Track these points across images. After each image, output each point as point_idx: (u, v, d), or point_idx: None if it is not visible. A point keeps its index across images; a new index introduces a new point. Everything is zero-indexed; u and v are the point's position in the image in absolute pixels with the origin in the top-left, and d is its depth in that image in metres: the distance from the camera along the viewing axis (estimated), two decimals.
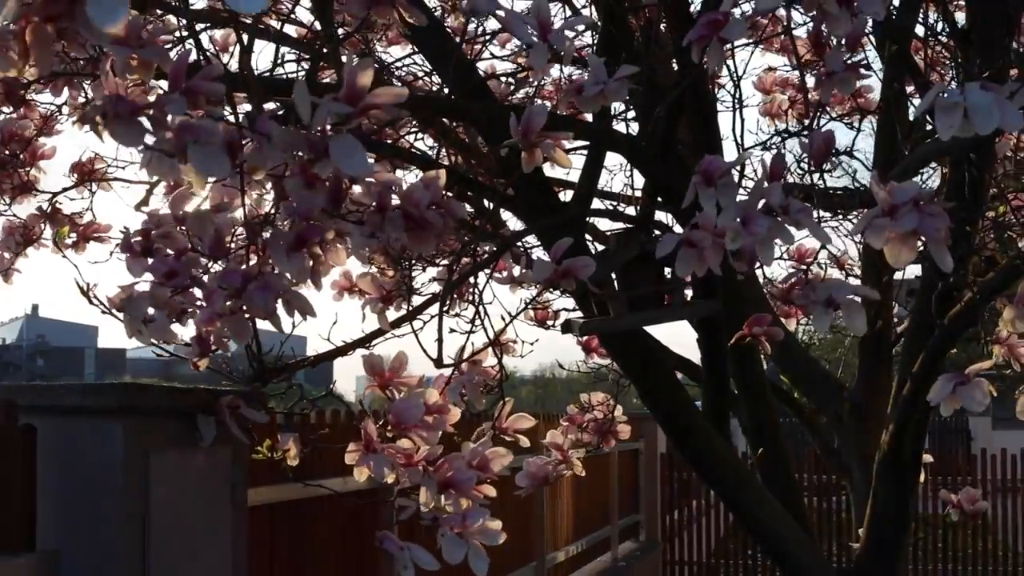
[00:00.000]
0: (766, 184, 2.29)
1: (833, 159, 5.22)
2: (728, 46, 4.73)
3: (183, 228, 2.59)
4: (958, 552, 13.04)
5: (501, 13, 2.35)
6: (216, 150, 1.97)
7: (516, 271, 4.42)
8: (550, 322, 5.04)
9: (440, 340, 2.92)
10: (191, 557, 3.20)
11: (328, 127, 1.97)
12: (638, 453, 12.52)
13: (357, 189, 2.34)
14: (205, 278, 2.52)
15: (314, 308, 2.43)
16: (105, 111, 2.00)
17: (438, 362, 2.93)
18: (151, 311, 2.71)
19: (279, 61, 3.79)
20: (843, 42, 2.58)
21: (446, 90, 4.06)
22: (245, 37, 2.62)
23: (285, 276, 2.33)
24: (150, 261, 2.58)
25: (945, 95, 2.01)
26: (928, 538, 13.01)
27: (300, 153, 2.07)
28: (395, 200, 2.37)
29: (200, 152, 1.96)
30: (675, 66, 3.86)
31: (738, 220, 2.25)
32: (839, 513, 12.75)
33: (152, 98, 2.06)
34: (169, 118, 2.02)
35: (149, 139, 2.03)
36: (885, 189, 2.16)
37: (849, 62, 2.58)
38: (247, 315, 2.39)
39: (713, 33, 2.23)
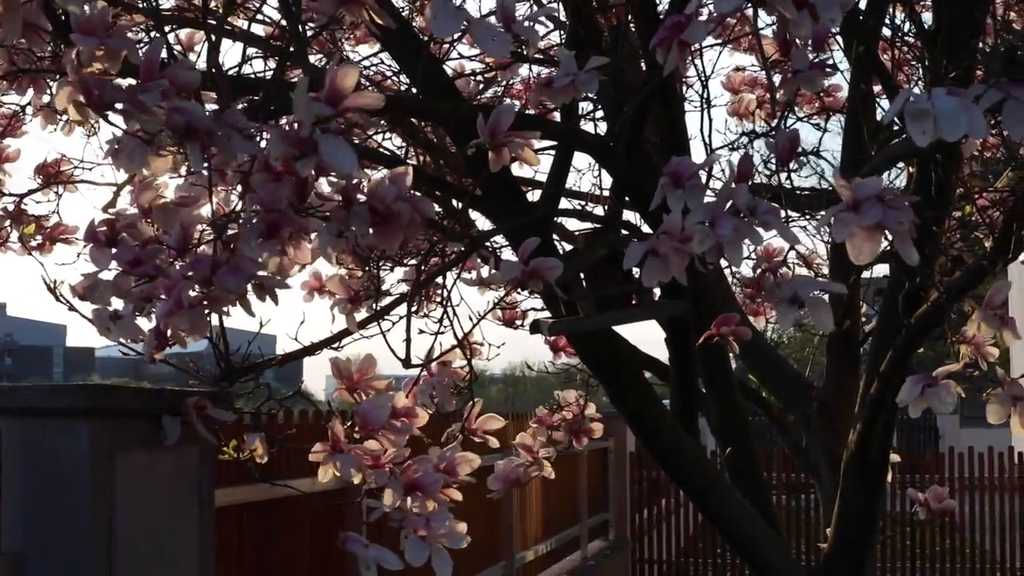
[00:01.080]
0: (733, 185, 2.29)
1: (800, 159, 5.24)
2: (695, 46, 4.76)
3: (149, 220, 2.59)
4: (926, 550, 13.12)
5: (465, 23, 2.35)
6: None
7: (484, 272, 4.42)
8: (519, 322, 5.04)
9: (408, 341, 2.92)
10: (158, 558, 3.19)
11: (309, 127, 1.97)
12: (608, 452, 12.53)
13: (324, 185, 2.34)
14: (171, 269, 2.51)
15: (280, 293, 2.42)
16: (78, 99, 1.99)
17: (406, 363, 2.93)
18: (119, 307, 2.69)
19: (245, 59, 3.78)
20: (809, 42, 2.59)
21: (414, 90, 4.05)
22: (213, 36, 2.61)
23: (256, 259, 2.32)
24: (114, 251, 2.57)
25: (913, 100, 2.01)
26: (896, 536, 13.08)
27: (266, 150, 2.07)
28: (362, 197, 2.37)
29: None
30: (643, 66, 3.87)
31: (706, 222, 2.25)
32: (809, 512, 12.79)
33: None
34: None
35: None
36: (849, 184, 2.17)
37: (815, 61, 2.58)
38: (207, 310, 2.39)
39: (675, 36, 2.24)
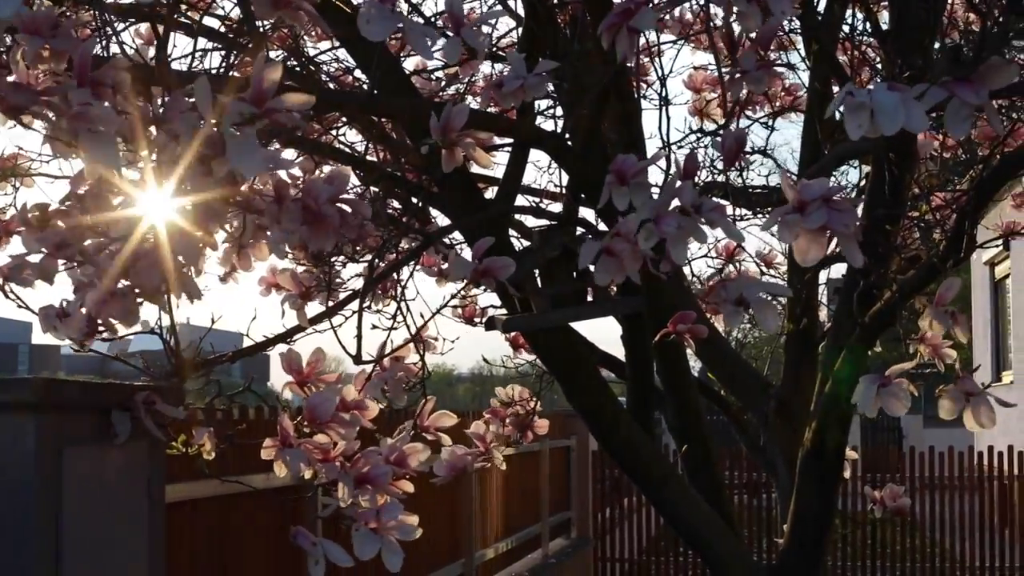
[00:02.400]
0: (679, 183, 2.30)
1: (747, 157, 5.26)
2: (648, 41, 4.76)
3: (81, 206, 2.57)
4: (887, 549, 13.19)
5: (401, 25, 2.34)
6: (108, 140, 1.95)
7: (445, 266, 4.42)
8: (477, 319, 5.04)
9: (359, 336, 2.91)
10: (106, 554, 3.17)
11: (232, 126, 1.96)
12: (570, 450, 12.55)
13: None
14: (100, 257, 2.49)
15: (200, 291, 2.40)
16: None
17: (357, 358, 2.93)
18: (64, 306, 2.68)
19: (196, 54, 3.75)
20: (757, 39, 2.59)
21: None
22: (162, 30, 2.60)
23: (177, 257, 2.31)
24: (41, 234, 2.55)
25: (851, 94, 2.02)
26: (857, 535, 13.15)
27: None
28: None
29: (92, 140, 1.95)
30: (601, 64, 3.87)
31: (651, 219, 2.26)
32: (771, 511, 12.84)
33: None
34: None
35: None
36: (795, 186, 2.17)
37: (763, 61, 2.59)
38: (139, 299, 2.37)
39: (624, 22, 2.24)
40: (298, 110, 2.03)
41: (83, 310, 2.58)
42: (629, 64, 2.97)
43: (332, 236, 2.36)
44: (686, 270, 5.40)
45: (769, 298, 2.45)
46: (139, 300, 2.40)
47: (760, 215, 4.96)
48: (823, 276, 5.69)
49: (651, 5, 2.31)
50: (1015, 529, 13.47)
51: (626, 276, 2.38)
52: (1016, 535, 13.40)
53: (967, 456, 13.54)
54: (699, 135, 4.73)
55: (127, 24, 3.88)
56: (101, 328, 2.63)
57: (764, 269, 5.80)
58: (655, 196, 2.32)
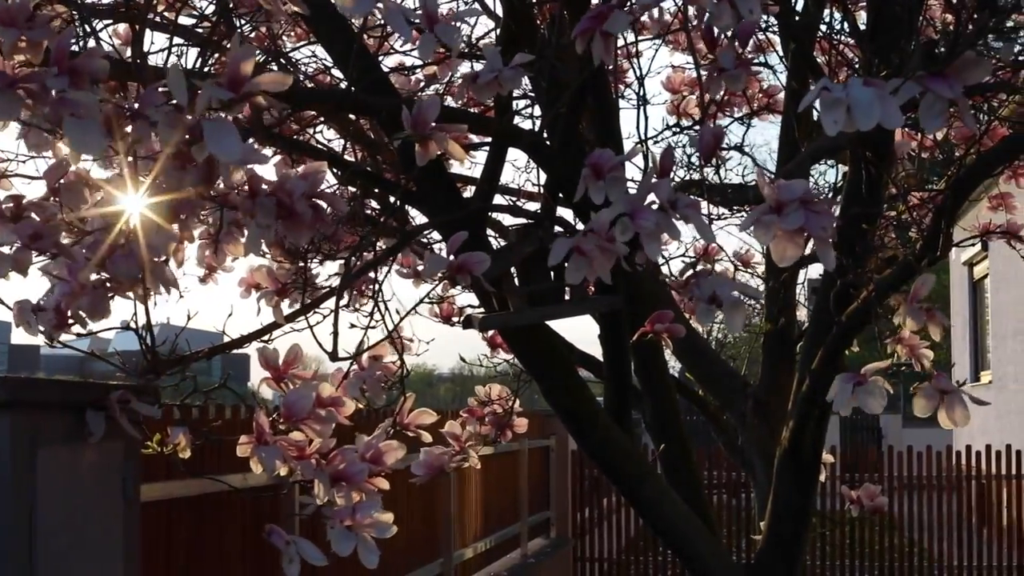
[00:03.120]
0: (655, 179, 2.30)
1: (722, 155, 5.27)
2: (626, 42, 4.77)
3: (57, 199, 2.56)
4: (865, 548, 13.23)
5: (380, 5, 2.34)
6: (93, 125, 1.95)
7: (421, 266, 4.41)
8: (455, 318, 5.03)
9: (335, 334, 2.90)
10: (80, 553, 3.16)
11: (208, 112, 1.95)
12: (549, 450, 12.56)
13: (238, 174, 2.32)
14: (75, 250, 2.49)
15: (176, 281, 2.40)
16: None
17: (333, 356, 2.92)
18: (41, 302, 2.66)
19: (172, 52, 3.74)
20: (735, 38, 2.59)
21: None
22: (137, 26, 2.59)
23: (153, 248, 2.30)
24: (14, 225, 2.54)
25: (827, 89, 2.03)
26: (836, 534, 13.19)
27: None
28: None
29: (76, 126, 1.94)
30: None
31: (627, 214, 2.26)
32: (750, 510, 12.86)
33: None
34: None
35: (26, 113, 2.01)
36: (773, 186, 2.18)
37: (741, 59, 2.59)
38: (110, 294, 2.36)
39: (597, 26, 2.24)
40: (273, 91, 2.02)
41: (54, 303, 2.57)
42: (607, 65, 2.97)
43: (307, 231, 2.35)
44: (664, 270, 5.41)
45: (741, 298, 2.45)
46: (111, 295, 2.39)
47: (736, 213, 4.97)
48: (801, 275, 5.70)
49: (625, 8, 2.31)
50: (993, 528, 13.53)
51: (597, 274, 2.38)
52: (994, 534, 13.45)
53: (946, 456, 13.59)
54: (676, 131, 4.73)
55: (105, 26, 3.86)
56: (71, 322, 2.61)
57: (742, 268, 5.81)
58: (632, 191, 2.32)
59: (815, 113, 4.92)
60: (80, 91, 1.99)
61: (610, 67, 4.47)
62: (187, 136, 1.99)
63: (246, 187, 2.28)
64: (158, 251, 2.31)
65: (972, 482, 13.68)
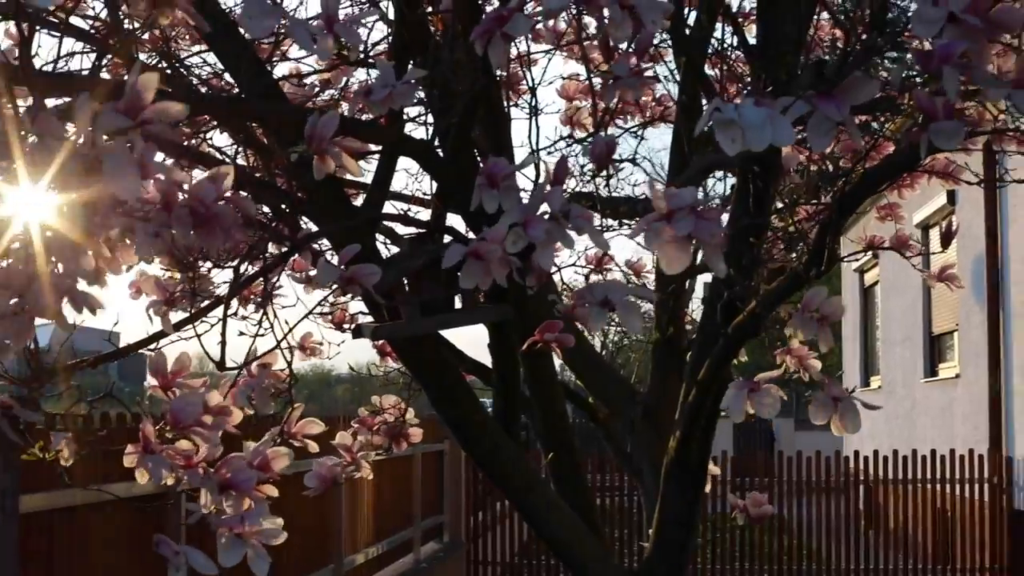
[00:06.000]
0: (548, 188, 2.31)
1: (616, 166, 5.31)
2: (520, 51, 4.78)
3: None
4: (755, 550, 13.41)
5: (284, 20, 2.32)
6: None
7: (313, 272, 4.38)
8: (347, 325, 5.01)
9: (223, 342, 2.88)
10: None
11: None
12: (443, 454, 12.56)
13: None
14: None
15: (103, 303, 2.35)
16: None
17: (220, 364, 2.89)
18: None
19: (62, 54, 3.68)
20: (631, 48, 2.61)
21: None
22: (26, 28, 2.54)
23: (72, 275, 2.25)
24: None
25: (720, 110, 2.05)
26: (727, 537, 13.35)
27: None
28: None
29: None
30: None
31: (519, 223, 2.26)
32: (641, 514, 12.97)
33: None
34: None
35: None
36: (662, 195, 2.20)
37: (635, 68, 2.61)
38: (29, 317, 2.31)
39: (497, 28, 2.24)
40: (173, 121, 1.99)
41: None
42: (501, 73, 2.98)
43: (221, 236, 2.32)
44: (556, 278, 5.43)
45: (635, 301, 2.47)
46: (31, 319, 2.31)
47: (626, 226, 5.01)
48: (690, 285, 5.76)
49: (524, 11, 2.32)
50: (880, 531, 13.78)
51: (493, 283, 2.38)
52: (881, 537, 13.70)
53: (835, 460, 13.82)
54: (569, 141, 4.76)
55: None
56: None
57: (633, 278, 5.85)
58: (525, 201, 2.32)
59: (696, 129, 4.98)
60: None
61: (505, 75, 4.48)
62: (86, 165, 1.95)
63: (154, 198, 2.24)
64: (67, 269, 2.25)
65: (859, 486, 13.93)
